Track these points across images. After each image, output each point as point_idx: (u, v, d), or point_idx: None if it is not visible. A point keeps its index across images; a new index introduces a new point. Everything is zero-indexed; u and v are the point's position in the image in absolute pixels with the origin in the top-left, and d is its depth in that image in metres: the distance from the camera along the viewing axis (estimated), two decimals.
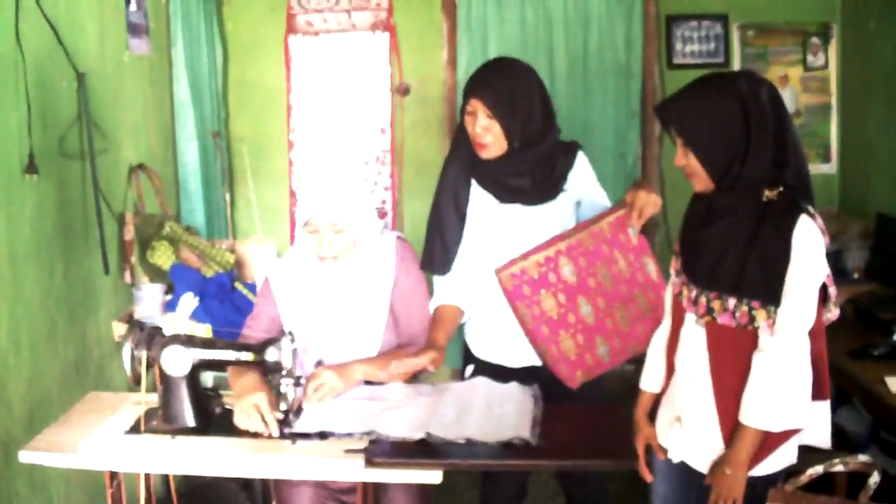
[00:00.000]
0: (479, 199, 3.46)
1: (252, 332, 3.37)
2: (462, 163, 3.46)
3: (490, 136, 3.31)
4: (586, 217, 3.42)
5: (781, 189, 2.63)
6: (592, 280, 3.31)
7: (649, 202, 3.26)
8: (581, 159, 3.50)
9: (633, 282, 3.35)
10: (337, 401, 3.14)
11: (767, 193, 2.62)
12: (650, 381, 3.07)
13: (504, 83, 3.31)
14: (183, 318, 3.96)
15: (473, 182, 3.46)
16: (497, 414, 3.01)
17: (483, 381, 3.31)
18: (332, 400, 3.14)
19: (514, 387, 3.27)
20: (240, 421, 2.98)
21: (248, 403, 2.97)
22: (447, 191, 3.50)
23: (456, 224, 3.48)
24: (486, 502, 3.74)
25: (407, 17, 6.25)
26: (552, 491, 4.78)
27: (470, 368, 3.60)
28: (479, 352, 3.59)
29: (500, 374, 3.42)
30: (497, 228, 3.45)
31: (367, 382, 3.27)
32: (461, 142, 3.46)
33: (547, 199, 3.43)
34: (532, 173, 3.39)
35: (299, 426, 2.97)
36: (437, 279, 3.52)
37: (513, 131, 3.30)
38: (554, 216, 3.44)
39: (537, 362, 3.42)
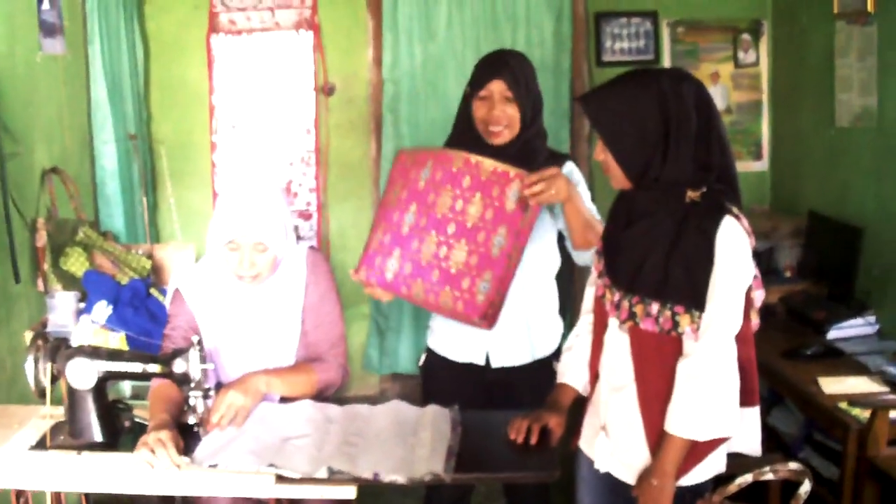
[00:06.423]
0: None
1: (173, 343, 3.22)
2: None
3: (506, 120, 3.32)
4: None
5: (705, 190, 2.55)
6: (433, 196, 3.17)
7: (556, 183, 3.04)
8: (568, 170, 3.41)
9: (468, 234, 3.09)
10: (241, 427, 2.99)
11: (690, 194, 2.55)
12: (570, 376, 3.01)
13: (519, 66, 3.38)
14: (93, 326, 3.83)
15: None
16: (410, 444, 2.87)
17: (397, 406, 3.18)
18: (242, 420, 2.99)
19: (430, 410, 3.12)
20: (139, 455, 2.76)
21: (152, 438, 2.77)
22: None
23: None
24: None
25: (331, 15, 6.14)
26: (496, 494, 4.67)
27: (423, 357, 3.71)
28: (432, 343, 3.65)
29: (446, 366, 3.56)
30: None
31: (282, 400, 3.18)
32: (460, 131, 3.47)
33: None
34: None
35: (199, 455, 2.80)
36: None
37: (526, 114, 3.34)
38: None
39: (480, 360, 3.50)
